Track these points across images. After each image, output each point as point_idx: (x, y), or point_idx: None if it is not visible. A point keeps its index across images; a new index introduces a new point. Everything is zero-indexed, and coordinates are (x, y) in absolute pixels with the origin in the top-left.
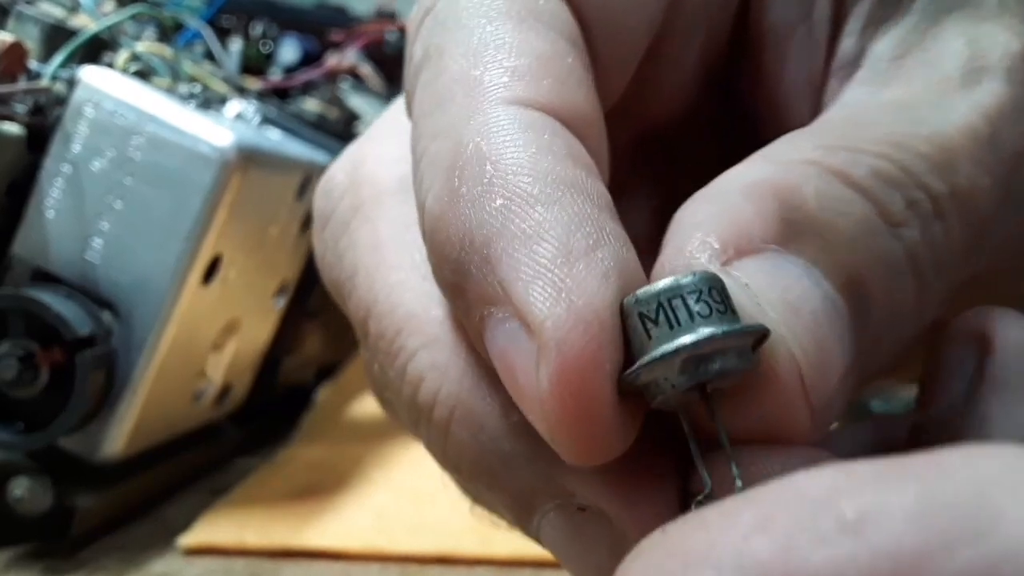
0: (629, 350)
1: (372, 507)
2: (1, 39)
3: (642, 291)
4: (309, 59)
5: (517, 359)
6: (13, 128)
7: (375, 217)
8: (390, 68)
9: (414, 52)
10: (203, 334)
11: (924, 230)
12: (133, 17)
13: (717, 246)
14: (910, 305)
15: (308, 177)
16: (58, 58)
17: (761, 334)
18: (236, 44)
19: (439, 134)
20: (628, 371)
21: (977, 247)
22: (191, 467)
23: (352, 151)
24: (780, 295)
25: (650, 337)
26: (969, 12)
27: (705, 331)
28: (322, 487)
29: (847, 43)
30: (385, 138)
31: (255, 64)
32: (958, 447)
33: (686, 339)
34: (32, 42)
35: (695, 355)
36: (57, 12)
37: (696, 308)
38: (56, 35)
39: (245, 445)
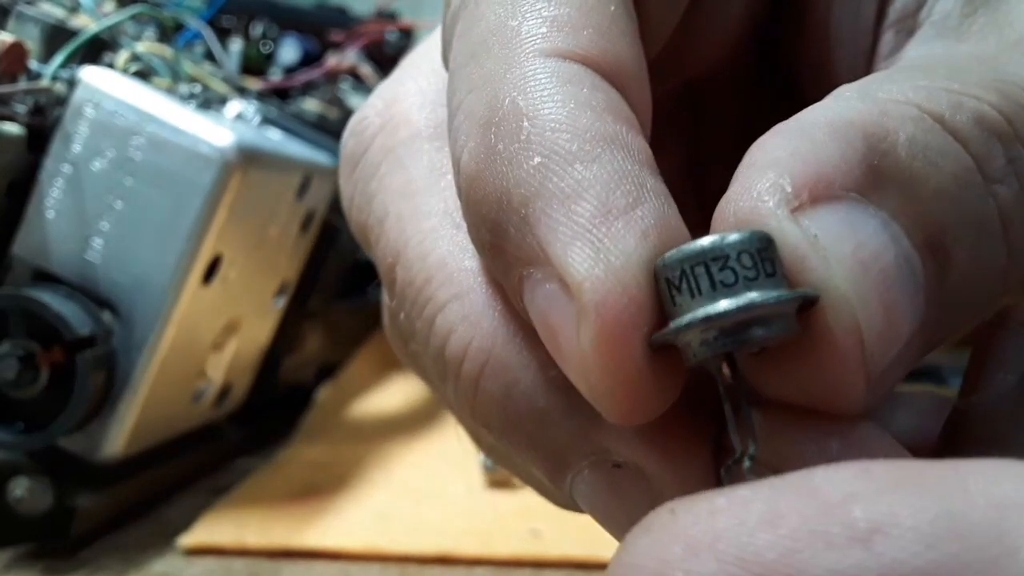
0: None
1: (372, 507)
2: (1, 39)
3: (669, 255)
4: (309, 59)
5: (558, 320)
6: (13, 128)
7: (408, 161)
8: (390, 68)
9: None
10: (203, 334)
11: (1022, 189)
12: (133, 17)
13: (789, 190)
14: (994, 271)
15: (308, 177)
16: (58, 58)
17: (798, 300)
18: (236, 44)
19: (475, 87)
20: (655, 336)
21: None
22: (191, 467)
23: (384, 89)
24: (852, 251)
25: (675, 304)
26: None
27: (720, 305)
28: (322, 487)
29: None
30: (420, 76)
31: (255, 64)
32: (985, 461)
33: (698, 313)
34: (32, 42)
35: (714, 326)
36: (57, 12)
37: (720, 276)
38: (56, 35)
39: (245, 445)
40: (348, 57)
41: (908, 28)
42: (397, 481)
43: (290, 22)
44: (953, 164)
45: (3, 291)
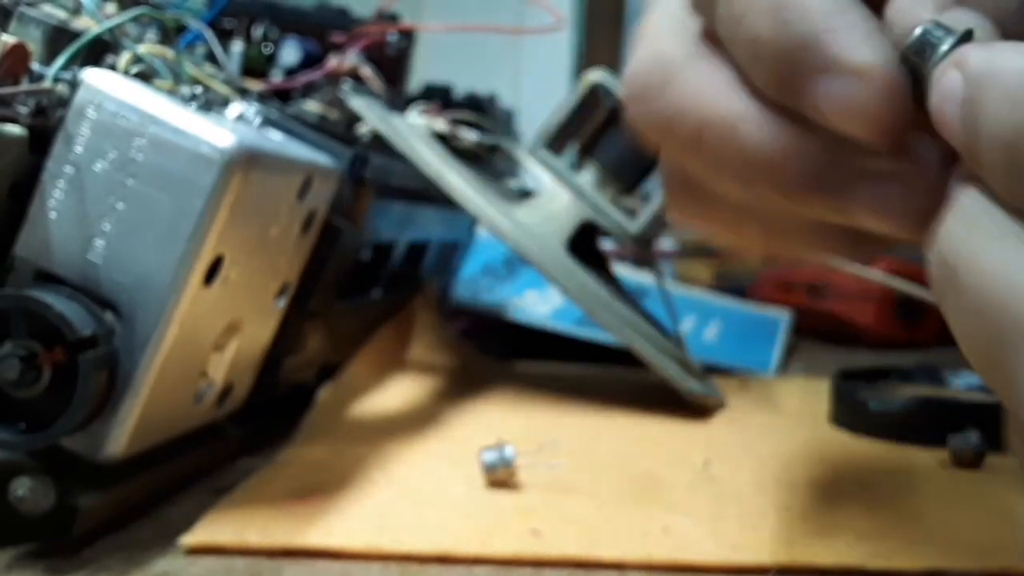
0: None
1: (373, 507)
2: (3, 41)
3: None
4: (310, 61)
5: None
6: (15, 129)
7: None
8: (391, 70)
9: None
10: (205, 334)
11: None
12: (135, 19)
13: None
14: None
15: (309, 178)
16: (60, 60)
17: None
18: (237, 46)
19: None
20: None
21: None
22: (193, 467)
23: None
24: None
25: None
26: None
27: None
28: (323, 487)
29: None
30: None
31: (256, 66)
32: None
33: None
34: (34, 44)
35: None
36: (60, 14)
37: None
38: (59, 37)
39: (246, 445)
40: (349, 59)
41: None
42: (397, 481)
43: (291, 24)
44: None
45: (5, 291)
